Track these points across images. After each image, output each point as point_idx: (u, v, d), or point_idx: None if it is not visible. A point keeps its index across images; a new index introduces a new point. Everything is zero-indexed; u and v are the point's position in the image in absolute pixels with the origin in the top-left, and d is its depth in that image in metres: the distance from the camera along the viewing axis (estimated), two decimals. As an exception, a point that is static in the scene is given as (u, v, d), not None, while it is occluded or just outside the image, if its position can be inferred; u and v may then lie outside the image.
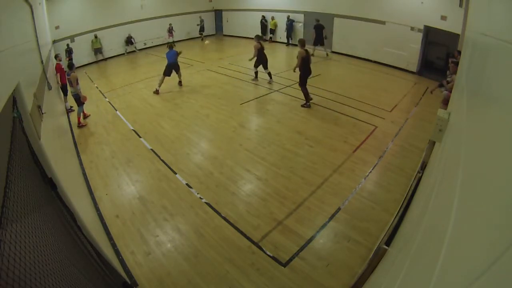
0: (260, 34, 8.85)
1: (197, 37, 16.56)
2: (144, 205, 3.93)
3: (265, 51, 8.36)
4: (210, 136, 5.78)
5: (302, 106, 6.82)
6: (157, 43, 14.88)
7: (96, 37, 12.09)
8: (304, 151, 5.06)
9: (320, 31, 10.85)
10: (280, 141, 5.39)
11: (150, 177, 4.53)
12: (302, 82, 6.66)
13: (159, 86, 8.11)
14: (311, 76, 6.78)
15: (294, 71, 6.80)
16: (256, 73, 8.79)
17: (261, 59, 8.34)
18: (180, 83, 8.70)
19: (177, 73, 8.43)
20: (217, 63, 10.91)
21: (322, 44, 11.06)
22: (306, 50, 6.38)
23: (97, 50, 12.31)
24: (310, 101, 6.82)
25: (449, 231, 0.90)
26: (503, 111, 0.87)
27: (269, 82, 8.53)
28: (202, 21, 16.16)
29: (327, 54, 11.29)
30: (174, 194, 4.10)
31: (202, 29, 16.23)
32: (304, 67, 6.50)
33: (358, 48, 11.13)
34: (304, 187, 4.15)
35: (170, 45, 8.46)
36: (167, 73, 8.21)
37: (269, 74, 8.51)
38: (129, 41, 13.58)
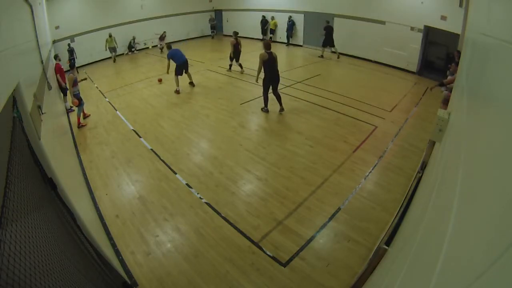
0: (237, 31, 9.60)
1: (196, 37, 16.61)
2: (144, 205, 3.93)
3: (240, 47, 9.32)
4: (210, 136, 5.78)
5: (262, 109, 6.67)
6: (157, 43, 14.88)
7: (110, 36, 12.04)
8: (304, 151, 5.06)
9: (330, 32, 10.78)
10: (280, 141, 5.39)
11: (150, 177, 4.53)
12: (264, 86, 6.33)
13: (178, 85, 8.14)
14: (277, 82, 6.34)
15: (257, 81, 6.44)
16: (230, 65, 9.79)
17: (235, 53, 9.35)
18: (192, 83, 8.54)
19: (186, 72, 8.26)
20: (217, 63, 10.92)
21: (332, 45, 10.97)
22: (269, 52, 6.00)
23: (112, 49, 12.26)
24: (266, 109, 6.59)
25: (449, 231, 0.90)
26: (503, 111, 0.87)
27: (241, 72, 9.64)
28: (213, 20, 16.64)
29: (338, 57, 11.17)
30: (174, 194, 4.10)
31: (213, 27, 16.59)
32: (267, 71, 6.12)
33: (358, 48, 11.13)
34: (304, 187, 4.15)
35: (169, 45, 8.30)
36: (178, 73, 8.03)
37: (240, 65, 9.66)
38: (130, 45, 13.70)
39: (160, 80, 8.09)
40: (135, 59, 12.86)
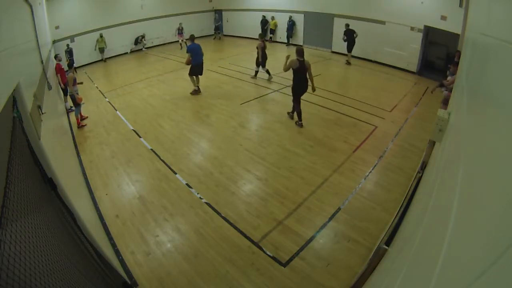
0: (261, 33, 8.84)
1: (197, 37, 16.59)
2: (144, 205, 3.93)
3: (266, 50, 8.53)
4: (210, 136, 5.78)
5: (296, 123, 6.02)
6: (157, 43, 14.89)
7: (101, 36, 12.11)
8: (304, 151, 5.06)
9: (351, 36, 10.06)
10: (280, 141, 5.39)
11: (150, 177, 4.53)
12: (294, 97, 5.83)
13: (195, 85, 7.80)
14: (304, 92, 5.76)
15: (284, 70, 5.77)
16: (257, 72, 8.91)
17: (263, 58, 8.51)
18: (198, 88, 7.94)
19: (199, 75, 7.75)
20: (217, 63, 10.91)
21: (350, 50, 10.39)
22: (301, 61, 5.44)
23: (101, 50, 12.34)
24: (300, 123, 5.92)
25: (449, 231, 0.90)
26: (503, 111, 0.87)
27: (269, 80, 8.71)
28: (217, 20, 16.70)
29: (347, 61, 10.57)
30: (174, 194, 4.10)
31: (217, 29, 16.58)
32: (297, 79, 5.61)
33: (358, 48, 11.10)
34: (304, 187, 4.15)
35: (193, 37, 7.69)
36: (192, 73, 7.64)
37: (268, 71, 8.70)
38: (137, 40, 13.70)
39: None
40: (135, 59, 12.86)
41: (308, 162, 4.73)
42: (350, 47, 10.33)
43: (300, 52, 5.50)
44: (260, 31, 14.90)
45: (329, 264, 2.99)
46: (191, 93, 7.82)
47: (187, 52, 7.43)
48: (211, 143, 5.54)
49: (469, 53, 2.18)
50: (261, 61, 8.52)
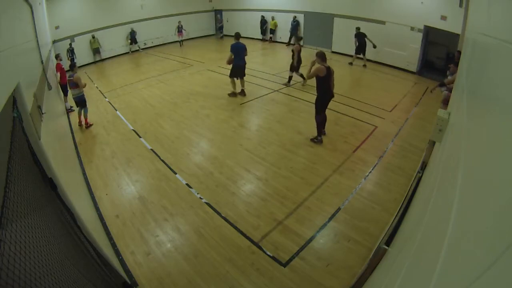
0: (299, 36, 8.29)
1: (197, 37, 16.61)
2: (144, 205, 3.93)
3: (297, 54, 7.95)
4: (210, 136, 5.78)
5: (312, 140, 5.33)
6: (157, 43, 14.90)
7: (93, 37, 12.10)
8: (304, 151, 5.06)
9: (362, 39, 9.90)
10: (280, 141, 5.39)
11: (150, 177, 4.53)
12: (318, 108, 5.11)
13: (234, 88, 7.51)
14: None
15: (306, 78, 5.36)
16: (291, 77, 8.33)
17: (298, 62, 7.96)
18: (242, 91, 7.58)
19: (241, 78, 7.41)
20: (217, 63, 10.91)
21: (364, 53, 10.14)
22: (328, 67, 4.82)
23: (96, 51, 12.33)
24: (321, 138, 5.28)
25: (449, 231, 0.89)
26: (503, 111, 0.87)
27: (303, 84, 8.22)
28: (220, 21, 17.00)
29: (364, 65, 10.22)
30: (174, 194, 4.10)
31: (220, 28, 16.92)
32: (324, 88, 4.95)
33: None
34: (304, 187, 4.15)
35: (237, 35, 7.28)
36: (232, 75, 7.31)
37: (302, 75, 8.04)
38: (133, 38, 13.60)
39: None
40: (135, 59, 12.85)
41: (308, 162, 4.73)
42: (362, 50, 10.08)
43: (324, 57, 4.88)
44: (260, 31, 14.94)
45: (329, 264, 2.99)
46: (228, 95, 7.58)
47: (230, 51, 7.05)
48: (211, 143, 5.54)
49: (469, 53, 2.18)
50: (296, 65, 7.93)
